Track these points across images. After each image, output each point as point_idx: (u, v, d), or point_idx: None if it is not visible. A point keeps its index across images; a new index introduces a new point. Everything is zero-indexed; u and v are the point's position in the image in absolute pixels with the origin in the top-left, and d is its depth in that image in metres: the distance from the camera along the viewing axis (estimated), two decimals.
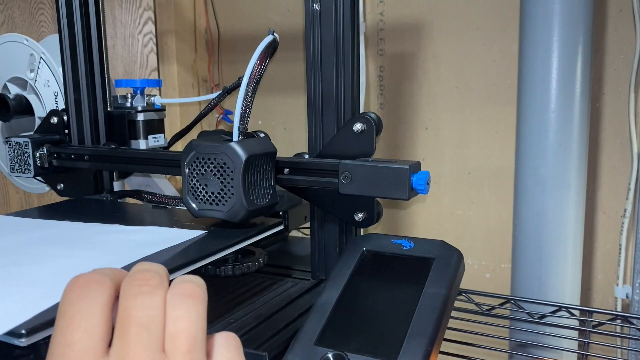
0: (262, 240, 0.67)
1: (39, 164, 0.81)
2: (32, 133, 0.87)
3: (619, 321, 0.67)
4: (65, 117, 0.84)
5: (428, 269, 0.54)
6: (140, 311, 0.27)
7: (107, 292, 0.28)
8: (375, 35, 1.26)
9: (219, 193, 0.60)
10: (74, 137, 0.84)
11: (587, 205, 1.01)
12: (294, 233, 0.89)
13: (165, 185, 0.98)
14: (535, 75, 0.94)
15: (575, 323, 0.68)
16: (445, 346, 0.54)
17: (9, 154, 0.83)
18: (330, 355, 0.47)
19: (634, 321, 0.65)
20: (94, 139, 0.84)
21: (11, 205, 1.61)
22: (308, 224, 0.70)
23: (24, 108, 0.97)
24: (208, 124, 1.44)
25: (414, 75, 1.23)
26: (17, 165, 0.82)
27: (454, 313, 0.57)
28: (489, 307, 0.67)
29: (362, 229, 0.67)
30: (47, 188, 0.90)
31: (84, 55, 0.83)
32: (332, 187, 0.62)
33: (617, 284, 1.07)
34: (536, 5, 0.92)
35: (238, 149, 0.59)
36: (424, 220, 1.28)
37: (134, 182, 0.96)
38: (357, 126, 0.62)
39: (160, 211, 0.75)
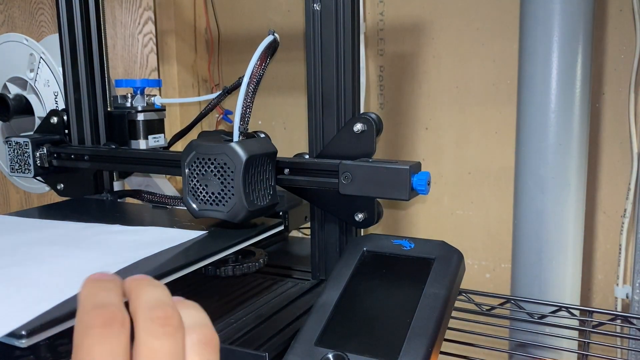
0: (263, 240, 0.67)
1: (39, 164, 0.81)
2: (32, 133, 0.87)
3: (619, 321, 0.67)
4: (65, 117, 0.84)
5: (428, 270, 0.54)
6: (163, 354, 0.28)
7: (127, 331, 0.28)
8: (375, 35, 1.26)
9: (219, 193, 0.60)
10: (74, 137, 0.84)
11: (587, 205, 1.01)
12: (294, 233, 0.89)
13: (165, 185, 0.98)
14: (535, 75, 0.94)
15: (575, 323, 0.68)
16: (445, 346, 0.54)
17: (9, 154, 0.83)
18: (330, 355, 0.47)
19: (634, 321, 0.65)
20: (94, 139, 0.84)
21: (11, 205, 1.61)
22: (308, 224, 0.70)
23: (24, 108, 0.97)
24: (208, 124, 1.44)
25: (414, 75, 1.23)
26: (17, 165, 0.82)
27: (454, 313, 0.57)
28: (489, 307, 0.67)
29: (362, 230, 0.67)
30: (47, 188, 0.90)
31: (84, 55, 0.83)
32: (333, 188, 0.62)
33: (617, 284, 1.07)
34: (536, 5, 0.92)
35: (238, 149, 0.59)
36: (424, 220, 1.28)
37: (134, 182, 0.96)
38: (358, 126, 0.62)
39: (160, 211, 0.75)
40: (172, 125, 1.31)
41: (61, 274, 0.49)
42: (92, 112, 0.84)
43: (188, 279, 0.68)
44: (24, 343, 0.38)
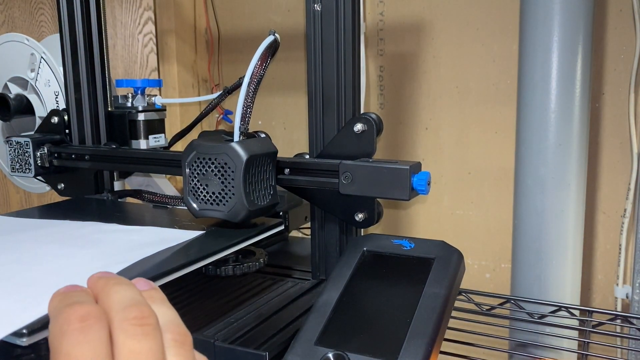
0: (263, 240, 0.67)
1: (39, 164, 0.81)
2: (32, 133, 0.87)
3: (619, 321, 0.67)
4: (65, 117, 0.84)
5: (428, 269, 0.55)
6: (145, 356, 0.27)
7: (106, 328, 0.27)
8: (375, 35, 1.26)
9: (219, 193, 0.60)
10: (74, 137, 0.84)
11: (587, 205, 1.01)
12: (294, 233, 0.89)
13: (165, 185, 0.98)
14: (535, 75, 0.94)
15: (575, 323, 0.68)
16: (445, 346, 0.54)
17: (10, 154, 0.83)
18: (330, 355, 0.47)
19: (634, 321, 0.66)
20: (94, 138, 0.84)
21: (11, 205, 1.61)
22: (308, 224, 0.70)
23: (25, 108, 0.97)
24: (208, 124, 1.44)
25: (414, 75, 1.23)
26: (18, 164, 0.82)
27: (454, 313, 0.57)
28: (489, 307, 0.67)
29: (362, 229, 0.67)
30: (48, 188, 0.90)
31: (85, 55, 0.83)
32: (333, 188, 0.62)
33: (617, 284, 1.07)
34: (536, 5, 0.92)
35: (239, 149, 0.59)
36: (424, 220, 1.28)
37: (135, 182, 0.96)
38: (358, 126, 0.62)
39: (160, 211, 0.75)
40: (173, 125, 1.31)
41: (60, 273, 0.49)
42: (93, 112, 0.84)
43: (188, 278, 0.68)
44: (24, 341, 0.38)
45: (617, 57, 1.06)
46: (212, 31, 1.45)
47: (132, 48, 1.35)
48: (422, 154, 1.25)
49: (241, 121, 0.62)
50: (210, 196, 0.61)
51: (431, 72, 1.22)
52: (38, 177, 0.84)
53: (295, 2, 1.34)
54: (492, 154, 1.18)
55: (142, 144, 0.83)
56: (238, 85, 0.69)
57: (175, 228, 0.64)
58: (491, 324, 0.65)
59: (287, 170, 0.65)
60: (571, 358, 0.86)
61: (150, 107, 0.84)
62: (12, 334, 0.38)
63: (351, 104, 0.63)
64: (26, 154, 0.81)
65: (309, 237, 0.69)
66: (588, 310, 0.65)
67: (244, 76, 0.62)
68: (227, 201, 0.60)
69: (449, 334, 0.57)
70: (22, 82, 0.98)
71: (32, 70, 0.96)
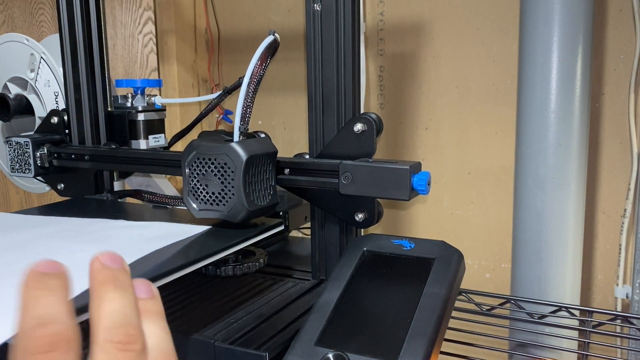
0: (263, 240, 0.67)
1: (39, 164, 0.81)
2: (32, 133, 0.87)
3: (619, 321, 0.67)
4: (65, 117, 0.84)
5: (428, 269, 0.54)
6: None
7: (75, 351, 0.25)
8: (375, 35, 1.26)
9: (219, 193, 0.60)
10: (74, 137, 0.84)
11: (587, 205, 1.01)
12: (294, 233, 0.89)
13: (165, 185, 0.98)
14: (535, 75, 0.94)
15: (575, 323, 0.68)
16: (445, 346, 0.54)
17: (10, 154, 0.83)
18: (330, 355, 0.47)
19: (634, 321, 0.65)
20: (94, 138, 0.84)
21: (11, 205, 1.61)
22: (308, 224, 0.70)
23: (25, 108, 0.97)
24: (208, 124, 1.44)
25: (414, 75, 1.23)
26: (18, 165, 0.82)
27: (454, 313, 0.57)
28: (489, 307, 0.67)
29: (362, 229, 0.67)
30: (48, 188, 0.90)
31: (85, 55, 0.83)
32: (333, 188, 0.62)
33: (617, 284, 1.07)
34: (536, 5, 0.92)
35: (239, 149, 0.59)
36: (424, 220, 1.28)
37: (135, 182, 0.96)
38: (358, 126, 0.62)
39: (160, 211, 0.75)
40: (172, 125, 1.31)
41: (76, 268, 0.49)
42: (93, 112, 0.84)
43: (188, 278, 0.68)
44: None
45: (617, 57, 1.06)
46: (212, 31, 1.45)
47: (132, 48, 1.35)
48: (422, 154, 1.25)
49: (241, 121, 0.62)
50: (210, 196, 0.61)
51: (431, 72, 1.22)
52: (38, 177, 0.84)
53: (295, 2, 1.34)
54: (492, 154, 1.18)
55: (142, 144, 0.83)
56: (238, 85, 0.69)
57: (179, 223, 0.64)
58: (491, 324, 0.65)
59: (287, 170, 0.65)
60: (571, 358, 0.86)
61: (150, 107, 0.84)
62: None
63: (351, 104, 0.63)
64: (26, 154, 0.81)
65: (309, 237, 0.69)
66: (588, 311, 0.65)
67: (243, 76, 0.62)
68: (227, 201, 0.60)
69: (449, 334, 0.57)
70: (22, 82, 0.98)
71: (32, 71, 0.96)
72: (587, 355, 0.59)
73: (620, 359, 0.96)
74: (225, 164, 0.59)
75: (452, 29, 1.18)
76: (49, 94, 0.96)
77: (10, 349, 0.25)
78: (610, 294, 1.11)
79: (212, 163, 0.60)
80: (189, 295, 0.65)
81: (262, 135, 0.67)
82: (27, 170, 0.82)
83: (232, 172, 0.59)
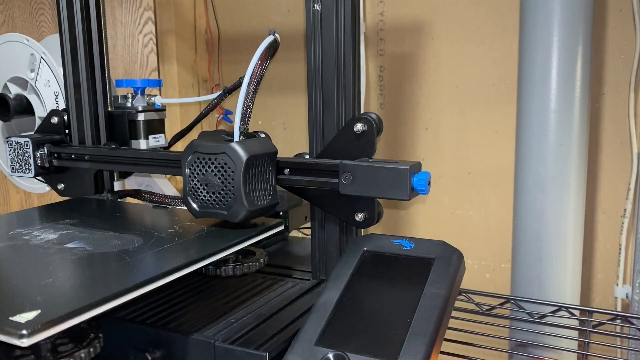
0: (263, 240, 0.67)
1: (39, 164, 0.81)
2: (32, 133, 0.87)
3: (619, 321, 0.67)
4: (65, 117, 0.84)
5: (428, 269, 0.55)
6: None
7: None
8: (375, 35, 1.26)
9: (219, 193, 0.60)
10: (74, 137, 0.84)
11: (587, 205, 1.01)
12: (294, 233, 0.89)
13: (165, 185, 0.98)
14: (535, 75, 0.94)
15: (575, 323, 0.68)
16: (445, 346, 0.54)
17: (10, 154, 0.83)
18: (330, 355, 0.47)
19: (634, 321, 0.66)
20: (94, 138, 0.84)
21: (11, 205, 1.61)
22: (308, 224, 0.70)
23: (25, 108, 0.97)
24: (208, 124, 1.44)
25: (414, 75, 1.23)
26: (18, 165, 0.82)
27: (454, 313, 0.57)
28: (489, 307, 0.67)
29: (362, 229, 0.67)
30: (48, 188, 0.90)
31: (85, 55, 0.83)
32: (333, 188, 0.62)
33: (617, 284, 1.07)
34: (536, 5, 0.92)
35: (239, 149, 0.59)
36: (424, 220, 1.28)
37: (135, 182, 0.96)
38: (358, 126, 0.62)
39: (160, 211, 0.75)
40: (172, 125, 1.31)
41: None
42: (93, 112, 0.84)
43: (188, 278, 0.68)
44: (24, 342, 0.38)
45: (617, 57, 1.06)
46: (212, 31, 1.45)
47: (132, 48, 1.35)
48: (422, 154, 1.25)
49: (241, 121, 0.62)
50: (210, 196, 0.61)
51: (431, 72, 1.22)
52: (38, 177, 0.84)
53: (295, 2, 1.34)
54: (492, 154, 1.18)
55: (142, 144, 0.83)
56: (238, 85, 0.69)
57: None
58: (491, 324, 0.65)
59: (287, 170, 0.65)
60: (571, 358, 0.86)
61: (150, 107, 0.84)
62: (11, 335, 0.38)
63: (351, 104, 0.63)
64: (26, 154, 0.81)
65: (309, 237, 0.69)
66: (588, 310, 0.65)
67: (243, 76, 0.62)
68: (227, 201, 0.60)
69: (449, 334, 0.57)
70: (22, 82, 0.98)
71: (32, 71, 0.96)
72: (587, 355, 0.59)
73: (620, 359, 0.96)
74: (226, 164, 0.59)
75: (452, 29, 1.18)
76: (49, 94, 0.96)
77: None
78: (610, 294, 1.11)
79: (212, 163, 0.60)
80: (189, 295, 0.65)
81: (262, 135, 0.67)
82: (27, 170, 0.82)
83: (232, 172, 0.59)
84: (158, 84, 0.98)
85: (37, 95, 0.97)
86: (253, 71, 0.62)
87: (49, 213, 0.74)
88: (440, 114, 1.22)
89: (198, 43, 1.45)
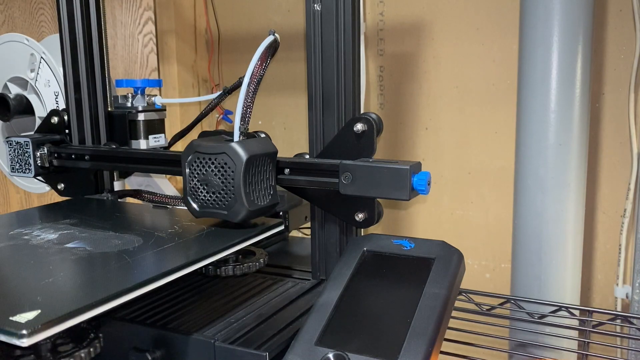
0: (263, 240, 0.67)
1: (39, 164, 0.81)
2: (32, 133, 0.87)
3: (619, 321, 0.67)
4: (65, 117, 0.84)
5: (428, 269, 0.55)
6: None
7: None
8: (375, 35, 1.26)
9: (219, 193, 0.60)
10: (74, 137, 0.84)
11: (587, 205, 1.01)
12: (294, 233, 0.89)
13: (165, 185, 0.98)
14: (535, 75, 0.94)
15: (575, 323, 0.68)
16: (445, 346, 0.54)
17: (10, 154, 0.83)
18: (330, 355, 0.47)
19: (634, 321, 0.66)
20: (94, 138, 0.84)
21: (11, 205, 1.61)
22: (308, 224, 0.70)
23: (25, 108, 0.97)
24: (208, 124, 1.44)
25: (414, 75, 1.23)
26: (18, 165, 0.82)
27: (454, 313, 0.57)
28: (489, 307, 0.67)
29: (362, 229, 0.67)
30: (48, 188, 0.90)
31: (85, 55, 0.83)
32: (333, 188, 0.62)
33: (617, 284, 1.07)
34: (536, 5, 0.92)
35: (239, 149, 0.59)
36: (424, 220, 1.28)
37: (135, 182, 0.96)
38: (358, 126, 0.62)
39: (160, 211, 0.75)
40: (173, 125, 1.31)
41: None
42: (93, 112, 0.84)
43: (188, 278, 0.68)
44: (24, 342, 0.38)
45: (617, 57, 1.06)
46: (212, 31, 1.45)
47: (132, 48, 1.35)
48: (422, 154, 1.25)
49: (241, 121, 0.62)
50: (210, 196, 0.61)
51: (431, 72, 1.22)
52: (38, 177, 0.84)
53: (295, 2, 1.34)
54: (492, 154, 1.18)
55: (142, 144, 0.83)
56: (238, 85, 0.69)
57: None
58: (491, 324, 0.65)
59: (287, 170, 0.65)
60: (571, 358, 0.86)
61: (150, 107, 0.84)
62: (11, 335, 0.38)
63: (351, 104, 0.63)
64: (26, 154, 0.81)
65: (309, 237, 0.69)
66: (588, 310, 0.65)
67: (244, 76, 0.62)
68: (227, 201, 0.60)
69: (449, 334, 0.57)
70: (22, 82, 0.98)
71: (32, 70, 0.96)
72: (587, 355, 0.59)
73: (620, 359, 0.96)
74: (226, 163, 0.59)
75: (452, 29, 1.18)
76: (49, 93, 0.96)
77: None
78: (610, 294, 1.11)
79: (212, 163, 0.60)
80: (189, 295, 0.65)
81: (262, 135, 0.67)
82: (27, 170, 0.82)
83: (232, 172, 0.59)
84: (158, 84, 0.98)
85: (37, 95, 0.97)
86: (253, 71, 0.62)
87: (49, 213, 0.74)
88: (440, 114, 1.22)
89: (198, 43, 1.45)
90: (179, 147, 0.81)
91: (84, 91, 0.84)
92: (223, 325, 0.57)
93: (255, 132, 0.70)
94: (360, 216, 0.63)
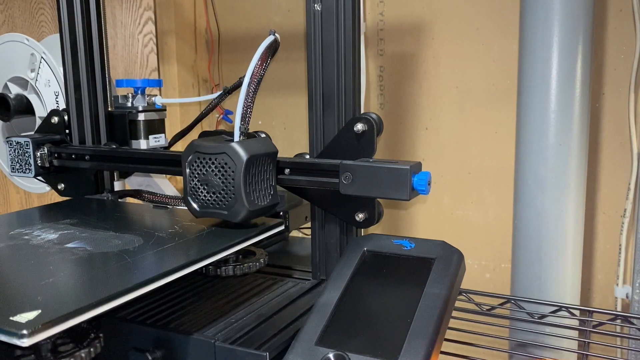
0: (263, 240, 0.67)
1: (39, 164, 0.81)
2: (32, 133, 0.87)
3: (619, 321, 0.67)
4: (66, 117, 0.84)
5: (429, 270, 0.55)
6: None
7: None
8: (375, 35, 1.26)
9: (220, 193, 0.60)
10: (74, 137, 0.84)
11: (587, 205, 1.01)
12: (294, 233, 0.89)
13: (165, 185, 0.98)
14: (535, 75, 0.94)
15: (575, 323, 0.68)
16: (445, 346, 0.54)
17: (10, 154, 0.83)
18: (331, 355, 0.47)
19: (634, 321, 0.66)
20: (94, 138, 0.84)
21: (11, 205, 1.61)
22: (309, 224, 0.70)
23: (25, 108, 0.97)
24: (208, 124, 1.44)
25: (414, 75, 1.23)
26: (18, 165, 0.82)
27: (454, 313, 0.57)
28: (489, 307, 0.67)
29: (362, 229, 0.67)
30: (48, 188, 0.90)
31: (85, 55, 0.83)
32: (333, 188, 0.62)
33: (617, 284, 1.07)
34: (536, 5, 0.92)
35: (239, 149, 0.59)
36: (424, 220, 1.28)
37: (135, 182, 0.96)
38: (358, 126, 0.62)
39: (160, 211, 0.75)
40: (173, 125, 1.31)
41: None
42: (93, 112, 0.84)
43: (188, 278, 0.68)
44: (25, 342, 0.38)
45: (617, 57, 1.06)
46: (212, 31, 1.45)
47: (132, 48, 1.35)
48: (422, 154, 1.25)
49: (241, 121, 0.62)
50: (211, 196, 0.61)
51: (431, 72, 1.22)
52: (38, 177, 0.84)
53: (295, 2, 1.34)
54: (492, 154, 1.18)
55: (142, 144, 0.83)
56: (238, 85, 0.69)
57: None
58: (491, 324, 0.65)
59: (287, 170, 0.65)
60: (571, 358, 0.86)
61: (150, 107, 0.84)
62: (11, 335, 0.38)
63: (351, 104, 0.63)
64: (26, 154, 0.81)
65: (309, 237, 0.69)
66: (588, 310, 0.65)
67: (244, 76, 0.62)
68: (227, 201, 0.60)
69: (449, 334, 0.57)
70: (22, 82, 0.98)
71: (32, 70, 0.96)
72: (587, 355, 0.59)
73: (620, 359, 0.96)
74: (226, 163, 0.59)
75: (452, 29, 1.18)
76: (49, 93, 0.96)
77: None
78: (610, 294, 1.11)
79: (213, 163, 0.60)
80: (189, 295, 0.65)
81: (262, 135, 0.67)
82: (28, 170, 0.82)
83: (233, 172, 0.59)
84: (158, 84, 0.98)
85: (37, 95, 0.97)
86: (253, 71, 0.62)
87: (49, 213, 0.74)
88: (440, 114, 1.22)
89: (198, 43, 1.45)
90: (179, 147, 0.81)
91: (84, 91, 0.84)
92: (223, 325, 0.57)
93: (256, 132, 0.70)
94: (360, 216, 0.63)
